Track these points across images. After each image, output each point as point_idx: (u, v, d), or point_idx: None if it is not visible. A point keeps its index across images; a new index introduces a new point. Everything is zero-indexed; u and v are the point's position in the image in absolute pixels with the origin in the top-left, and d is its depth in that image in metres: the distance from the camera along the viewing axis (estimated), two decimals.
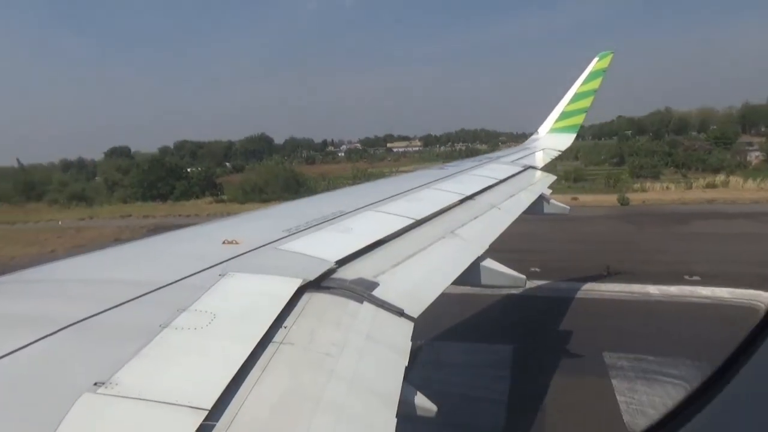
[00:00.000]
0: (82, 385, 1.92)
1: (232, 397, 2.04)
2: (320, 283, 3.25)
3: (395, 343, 2.86)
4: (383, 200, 5.75)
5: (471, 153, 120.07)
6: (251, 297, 2.92)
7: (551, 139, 13.03)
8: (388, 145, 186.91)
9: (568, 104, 13.02)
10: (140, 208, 57.08)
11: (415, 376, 11.08)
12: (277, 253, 3.71)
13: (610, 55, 12.65)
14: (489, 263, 4.70)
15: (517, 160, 10.54)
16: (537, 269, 21.35)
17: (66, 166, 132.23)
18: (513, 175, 8.80)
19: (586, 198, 43.74)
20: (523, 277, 4.91)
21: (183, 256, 3.65)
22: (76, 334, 2.31)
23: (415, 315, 3.20)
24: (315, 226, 4.48)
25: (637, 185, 49.25)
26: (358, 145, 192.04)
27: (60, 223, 49.45)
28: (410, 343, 2.88)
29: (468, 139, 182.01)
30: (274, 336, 2.54)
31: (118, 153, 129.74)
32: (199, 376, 2.11)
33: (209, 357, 2.27)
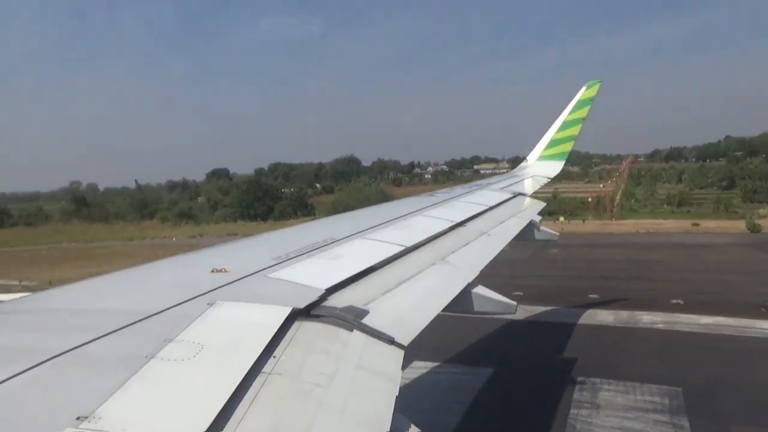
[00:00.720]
0: (64, 419, 1.88)
1: (220, 430, 2.01)
2: (310, 312, 3.24)
3: (386, 371, 2.84)
4: (373, 227, 5.77)
5: (563, 175, 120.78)
6: (240, 326, 2.90)
7: (540, 166, 13.24)
8: (475, 167, 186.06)
9: (557, 132, 13.23)
10: (243, 227, 59.42)
11: (578, 417, 10.89)
12: (267, 281, 3.71)
13: (598, 84, 12.93)
14: (480, 290, 4.70)
15: (506, 187, 10.65)
16: (680, 301, 19.94)
17: (172, 186, 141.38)
18: (502, 202, 8.86)
19: (708, 224, 41.22)
20: (514, 303, 4.90)
21: (171, 285, 3.63)
22: (60, 365, 2.29)
23: (405, 343, 3.18)
24: (305, 253, 4.49)
25: (763, 210, 46.06)
26: (445, 167, 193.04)
27: (174, 239, 52.33)
28: (401, 372, 2.85)
29: None
30: (263, 366, 2.52)
31: (218, 174, 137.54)
32: (186, 409, 2.08)
33: (196, 389, 2.24)
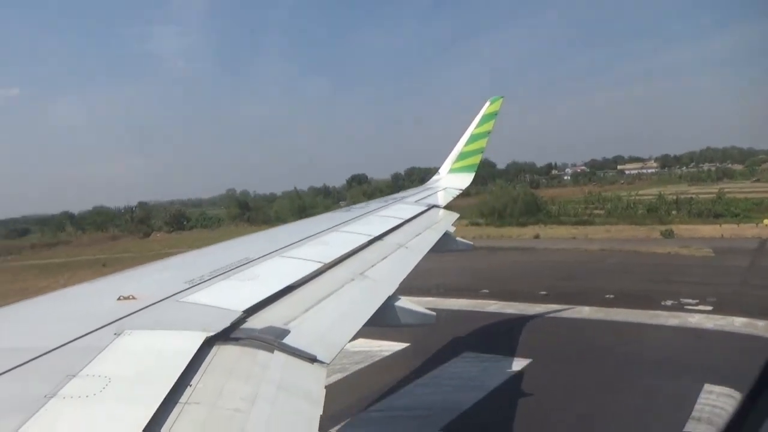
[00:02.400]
0: None
1: None
2: (228, 335, 3.13)
3: (308, 391, 2.80)
4: (290, 245, 5.71)
5: (725, 174, 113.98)
6: (151, 356, 2.76)
7: (451, 178, 13.57)
8: (619, 167, 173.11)
9: (465, 146, 13.65)
10: None
11: None
12: (180, 306, 3.57)
13: (501, 100, 13.57)
14: (400, 302, 4.77)
15: (420, 199, 10.87)
16: None
17: (316, 192, 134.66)
18: (418, 215, 9.03)
19: None
20: (433, 314, 5.03)
21: (72, 317, 3.43)
22: None
23: (328, 361, 3.15)
24: (220, 275, 4.36)
25: None
26: (585, 168, 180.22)
27: None
28: (324, 391, 2.82)
29: (716, 158, 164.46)
30: (178, 396, 2.41)
31: (358, 180, 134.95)
32: None
33: (104, 427, 2.12)
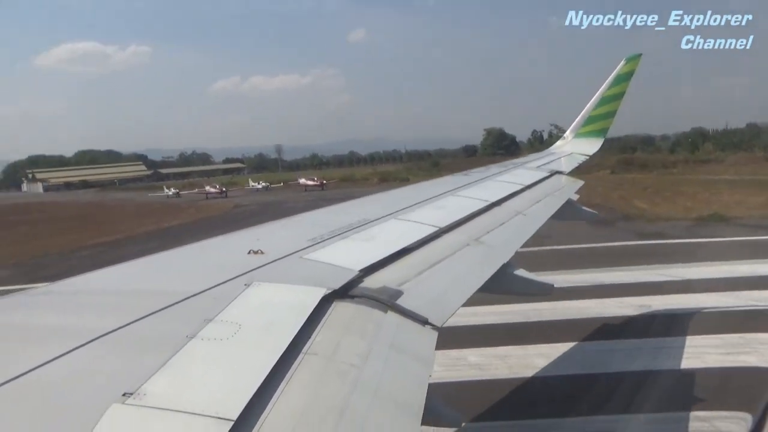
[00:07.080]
0: (111, 395, 1.95)
1: (258, 407, 2.05)
2: (345, 293, 3.27)
3: (419, 352, 2.85)
4: (407, 208, 5.76)
5: None
6: (276, 307, 2.95)
7: (578, 143, 12.80)
8: None
9: (595, 108, 12.70)
10: None
11: None
12: (302, 263, 3.76)
13: (638, 58, 12.33)
14: (515, 270, 4.67)
15: (543, 165, 10.45)
16: None
17: None
18: (539, 181, 8.72)
19: None
20: (551, 284, 4.88)
21: (209, 266, 3.73)
22: (104, 345, 2.36)
23: (439, 324, 3.18)
24: (339, 235, 4.52)
25: None
26: None
27: None
28: (434, 353, 2.86)
29: None
30: (298, 346, 2.55)
31: None
32: (225, 387, 2.14)
33: (234, 368, 2.30)
